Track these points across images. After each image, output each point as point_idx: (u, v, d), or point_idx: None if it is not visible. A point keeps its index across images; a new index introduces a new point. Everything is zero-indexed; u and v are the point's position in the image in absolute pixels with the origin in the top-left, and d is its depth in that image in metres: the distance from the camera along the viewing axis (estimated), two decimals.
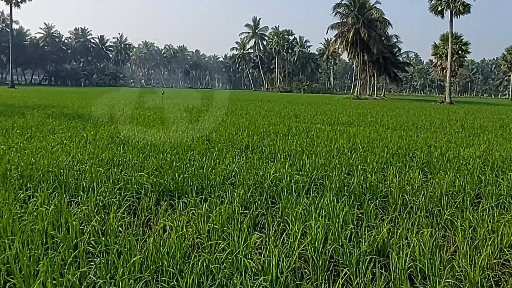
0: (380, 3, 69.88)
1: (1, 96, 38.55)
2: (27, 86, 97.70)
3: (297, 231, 4.35)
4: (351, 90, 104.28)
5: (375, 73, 78.48)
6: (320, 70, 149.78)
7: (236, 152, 9.32)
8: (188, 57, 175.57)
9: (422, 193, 6.21)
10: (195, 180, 6.45)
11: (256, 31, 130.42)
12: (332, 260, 4.05)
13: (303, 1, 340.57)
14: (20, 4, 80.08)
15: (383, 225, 4.91)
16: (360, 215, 5.29)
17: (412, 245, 4.17)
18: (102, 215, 4.74)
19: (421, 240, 4.26)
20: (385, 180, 7.30)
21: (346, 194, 6.07)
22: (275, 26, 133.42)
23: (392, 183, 6.86)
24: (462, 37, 64.16)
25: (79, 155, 8.20)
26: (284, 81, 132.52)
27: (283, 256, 3.78)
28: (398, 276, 3.68)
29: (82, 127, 13.20)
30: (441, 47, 64.54)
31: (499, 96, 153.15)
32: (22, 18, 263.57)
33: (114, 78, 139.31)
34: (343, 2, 68.15)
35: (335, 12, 68.06)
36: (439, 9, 54.55)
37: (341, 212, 4.96)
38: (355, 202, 5.78)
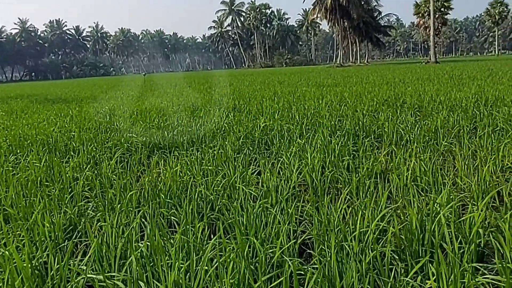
0: None
1: None
2: (8, 83, 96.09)
3: (293, 164, 4.27)
4: (334, 60, 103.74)
5: (356, 40, 78.06)
6: (300, 43, 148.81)
7: (224, 112, 9.18)
8: (166, 41, 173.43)
9: (416, 127, 6.15)
10: (184, 137, 6.33)
11: (233, 7, 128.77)
12: (331, 186, 3.98)
13: None
14: None
15: (380, 156, 4.85)
16: (355, 150, 5.23)
17: (411, 167, 4.11)
18: (94, 168, 4.61)
19: (421, 163, 4.19)
20: (377, 122, 7.22)
21: (340, 134, 5.99)
22: (251, 1, 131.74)
23: (385, 124, 6.80)
24: None
25: (66, 125, 8.04)
26: (265, 56, 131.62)
27: (281, 183, 3.70)
28: (400, 188, 3.62)
29: (67, 107, 12.95)
30: (423, 5, 63.96)
31: (484, 54, 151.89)
32: None
33: (94, 68, 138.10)
34: None
35: None
36: None
37: (336, 146, 4.89)
38: (349, 141, 5.70)
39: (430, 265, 2.27)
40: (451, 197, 3.20)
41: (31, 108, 13.35)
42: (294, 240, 2.60)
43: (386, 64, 64.91)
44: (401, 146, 5.30)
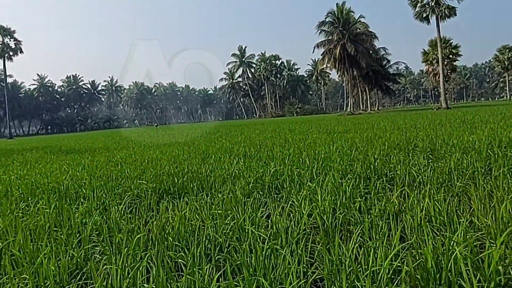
0: (364, 18, 71.01)
1: (1, 145, 38.56)
2: (25, 137, 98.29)
3: (303, 207, 4.20)
4: (344, 108, 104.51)
5: (366, 88, 78.92)
6: (310, 92, 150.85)
7: (234, 159, 9.18)
8: (179, 93, 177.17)
9: (429, 169, 6.06)
10: (194, 182, 6.30)
11: (243, 59, 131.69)
12: (342, 228, 3.88)
13: (287, 26, 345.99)
14: (12, 57, 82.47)
15: (393, 197, 4.75)
16: (367, 192, 5.14)
17: (425, 207, 4.02)
18: (103, 214, 4.58)
19: (435, 203, 4.09)
20: (389, 164, 7.14)
21: (351, 176, 5.92)
22: (261, 53, 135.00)
23: (397, 167, 6.71)
24: (451, 41, 64.02)
25: (77, 174, 8.08)
26: (275, 106, 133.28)
27: (291, 224, 3.62)
28: (414, 229, 3.51)
29: (80, 157, 13.09)
30: (431, 53, 64.66)
31: (496, 99, 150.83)
32: (15, 71, 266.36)
33: (108, 120, 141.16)
34: (327, 20, 69.15)
35: (319, 31, 69.01)
36: (424, 15, 55.17)
37: (347, 188, 4.82)
38: (360, 183, 5.62)
39: None
40: (467, 236, 3.09)
41: (45, 158, 13.52)
42: (305, 280, 2.51)
43: (397, 111, 65.15)
44: (414, 188, 5.20)
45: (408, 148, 9.26)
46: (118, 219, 4.17)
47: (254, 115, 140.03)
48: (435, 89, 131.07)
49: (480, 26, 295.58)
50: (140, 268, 2.68)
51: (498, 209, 3.73)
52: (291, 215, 4.16)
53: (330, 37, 68.15)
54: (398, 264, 2.64)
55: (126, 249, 3.16)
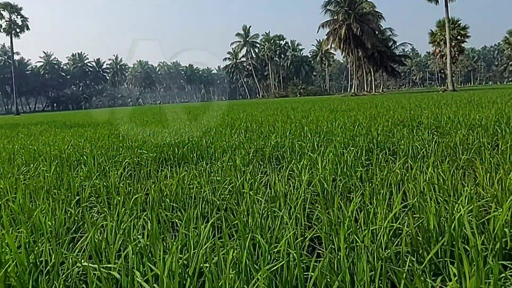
0: None
1: (8, 121, 38.76)
2: (32, 113, 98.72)
3: (303, 175, 4.13)
4: (348, 90, 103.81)
5: (371, 69, 78.24)
6: (314, 73, 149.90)
7: (235, 133, 9.12)
8: (182, 72, 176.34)
9: (434, 143, 5.97)
10: (194, 153, 6.25)
11: (247, 39, 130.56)
12: (342, 195, 3.82)
13: (293, 5, 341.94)
14: (19, 34, 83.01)
15: (395, 167, 4.67)
16: (368, 164, 5.07)
17: (428, 177, 3.94)
18: (103, 178, 4.54)
19: (439, 172, 4.02)
20: (392, 138, 7.05)
21: (353, 148, 5.84)
22: (265, 33, 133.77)
23: (400, 142, 6.60)
24: (459, 22, 62.78)
25: (80, 143, 8.08)
26: (279, 86, 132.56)
27: (290, 189, 3.56)
28: (416, 196, 3.44)
29: (83, 130, 13.08)
30: (438, 34, 63.57)
31: (504, 82, 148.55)
32: (22, 49, 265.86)
33: (113, 99, 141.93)
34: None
35: (325, 10, 68.15)
36: None
37: (348, 158, 4.75)
38: (362, 155, 5.53)
39: (452, 266, 2.11)
40: (472, 200, 3.02)
41: (49, 131, 13.56)
42: (302, 238, 2.46)
43: (402, 93, 64.68)
44: (417, 160, 5.11)
45: (412, 124, 9.15)
46: (117, 183, 4.13)
47: (257, 95, 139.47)
48: (442, 72, 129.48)
49: (490, 7, 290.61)
50: (136, 226, 2.64)
51: (505, 179, 3.65)
52: (290, 182, 4.10)
53: (336, 17, 67.35)
54: (399, 225, 2.58)
55: (123, 208, 3.11)
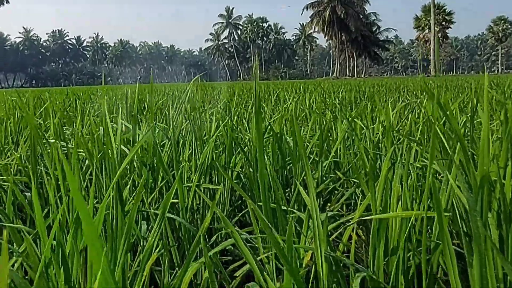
0: None
1: None
2: (9, 89, 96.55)
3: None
4: (330, 74, 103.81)
5: (354, 54, 78.25)
6: (296, 57, 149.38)
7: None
8: (164, 53, 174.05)
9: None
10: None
11: (230, 20, 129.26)
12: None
13: None
14: None
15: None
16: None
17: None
18: None
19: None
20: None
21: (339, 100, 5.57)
22: (248, 15, 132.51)
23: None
24: (445, 7, 62.93)
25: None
26: (260, 70, 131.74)
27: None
28: None
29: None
30: (423, 18, 63.58)
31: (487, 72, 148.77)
32: (1, 24, 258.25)
33: (92, 77, 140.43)
34: None
35: None
36: None
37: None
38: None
39: None
40: None
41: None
42: None
43: (385, 79, 64.78)
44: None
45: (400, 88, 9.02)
46: None
47: (239, 78, 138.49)
48: (425, 59, 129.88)
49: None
50: None
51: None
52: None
53: None
54: None
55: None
